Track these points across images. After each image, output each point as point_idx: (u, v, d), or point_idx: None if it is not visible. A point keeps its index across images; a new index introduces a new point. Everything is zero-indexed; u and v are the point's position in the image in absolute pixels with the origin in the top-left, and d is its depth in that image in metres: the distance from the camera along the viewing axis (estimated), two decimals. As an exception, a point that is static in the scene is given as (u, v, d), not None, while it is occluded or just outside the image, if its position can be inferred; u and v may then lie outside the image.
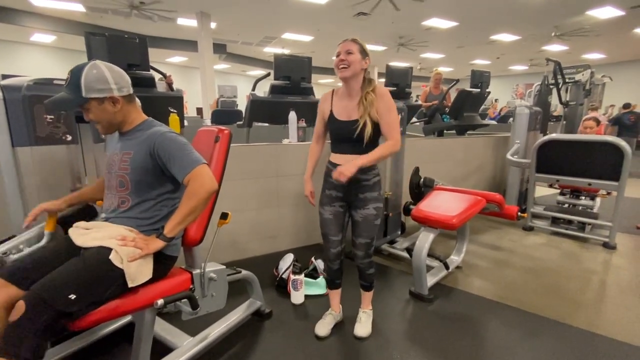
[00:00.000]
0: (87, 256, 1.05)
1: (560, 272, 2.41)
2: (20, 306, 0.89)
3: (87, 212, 1.43)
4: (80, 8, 7.82)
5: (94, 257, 1.05)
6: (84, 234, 1.13)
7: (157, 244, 1.13)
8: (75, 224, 1.20)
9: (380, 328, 1.75)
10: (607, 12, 7.73)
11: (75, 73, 1.10)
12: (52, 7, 7.84)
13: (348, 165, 1.35)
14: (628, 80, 12.29)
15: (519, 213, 2.44)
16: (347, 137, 1.46)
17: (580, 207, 3.50)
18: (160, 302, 1.10)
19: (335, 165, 1.51)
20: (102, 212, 1.28)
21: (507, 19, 8.48)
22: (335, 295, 1.76)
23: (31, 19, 8.44)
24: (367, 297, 1.75)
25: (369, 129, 1.41)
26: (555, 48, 11.08)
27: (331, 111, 1.52)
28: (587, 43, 10.47)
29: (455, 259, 2.48)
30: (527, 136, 3.62)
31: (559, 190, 3.74)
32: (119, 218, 1.20)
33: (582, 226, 3.17)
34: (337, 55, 1.43)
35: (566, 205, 3.56)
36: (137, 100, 1.70)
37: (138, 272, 1.08)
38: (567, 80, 4.94)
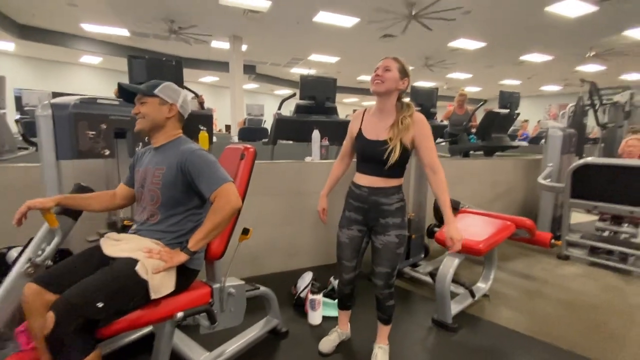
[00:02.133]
0: (115, 266, 1.11)
1: (601, 306, 2.22)
2: (50, 317, 0.94)
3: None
4: (125, 33, 8.52)
5: (121, 267, 1.10)
6: (113, 245, 1.19)
7: (181, 257, 1.17)
8: (106, 235, 1.27)
9: (399, 357, 1.67)
10: (647, 32, 7.41)
11: (157, 81, 1.30)
12: (100, 32, 8.59)
13: (457, 231, 1.43)
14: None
15: (553, 240, 2.31)
16: (372, 156, 1.42)
17: (622, 236, 3.25)
18: (180, 314, 1.12)
19: (358, 187, 1.48)
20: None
21: (538, 39, 8.31)
22: (344, 316, 1.72)
23: (82, 43, 9.28)
24: (384, 331, 1.61)
25: (396, 153, 1.36)
26: (591, 68, 10.67)
27: (360, 129, 1.48)
28: (625, 63, 9.99)
29: (482, 287, 2.35)
30: (560, 159, 3.45)
31: (597, 217, 3.50)
32: (148, 231, 1.26)
33: (624, 257, 2.92)
34: (375, 71, 1.40)
35: (606, 233, 3.31)
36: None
37: (161, 284, 1.11)
38: (604, 102, 4.71)
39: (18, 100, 4.59)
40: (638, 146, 3.15)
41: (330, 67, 11.52)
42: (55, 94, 3.56)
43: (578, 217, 4.01)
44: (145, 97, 1.27)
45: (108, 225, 1.59)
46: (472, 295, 2.18)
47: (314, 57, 10.53)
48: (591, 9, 6.28)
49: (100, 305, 0.98)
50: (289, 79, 13.60)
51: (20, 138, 3.11)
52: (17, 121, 3.89)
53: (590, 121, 4.88)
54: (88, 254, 1.21)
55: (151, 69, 2.43)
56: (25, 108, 4.47)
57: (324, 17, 7.20)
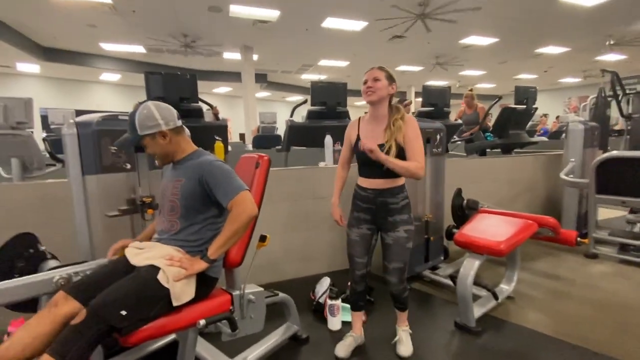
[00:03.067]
0: (138, 275, 1.15)
1: (632, 306, 2.11)
2: (83, 313, 1.00)
3: None
4: (141, 49, 8.84)
5: (143, 276, 1.14)
6: (137, 254, 1.24)
7: (201, 265, 1.20)
8: (130, 245, 1.32)
9: (422, 361, 1.65)
10: (671, 17, 7.07)
11: (132, 116, 1.29)
12: (118, 50, 8.96)
13: (378, 152, 1.39)
14: None
15: (579, 238, 2.21)
16: (370, 160, 1.47)
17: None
18: (202, 322, 1.15)
19: (363, 189, 1.57)
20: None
21: (552, 31, 8.08)
22: (358, 318, 1.73)
23: (101, 61, 9.71)
24: (403, 316, 1.73)
25: (393, 153, 1.45)
26: (611, 58, 10.25)
27: (358, 135, 1.57)
28: (649, 50, 9.56)
29: (505, 288, 2.28)
30: (583, 154, 3.33)
31: (626, 212, 3.35)
32: (168, 240, 1.30)
33: (658, 254, 2.78)
34: (365, 83, 1.51)
35: (637, 227, 3.16)
36: (187, 131, 1.86)
37: (182, 291, 1.15)
38: (627, 92, 4.51)
39: (44, 119, 4.83)
40: None
41: (340, 72, 11.57)
42: (78, 112, 3.73)
43: (605, 212, 3.85)
44: (141, 141, 1.30)
45: (127, 202, 1.65)
46: (495, 297, 2.12)
47: (324, 62, 10.60)
48: (608, -4, 6.07)
49: (123, 313, 1.02)
50: (300, 85, 13.74)
51: (48, 155, 3.27)
52: (44, 140, 4.09)
53: (613, 112, 4.68)
54: (113, 264, 1.27)
55: (167, 84, 2.52)
56: (52, 126, 4.70)
57: (332, 23, 7.26)
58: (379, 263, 1.65)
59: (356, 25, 7.41)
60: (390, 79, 1.50)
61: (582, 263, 2.86)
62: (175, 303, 1.13)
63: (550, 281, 2.54)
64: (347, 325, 1.95)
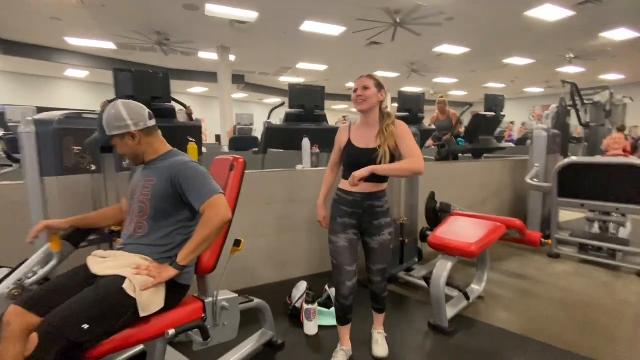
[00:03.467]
0: (101, 285, 1.07)
1: (592, 303, 2.25)
2: (34, 339, 0.91)
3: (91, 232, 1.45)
4: (111, 46, 8.46)
5: (107, 286, 1.07)
6: (100, 263, 1.16)
7: (170, 272, 1.14)
8: (93, 253, 1.24)
9: (397, 363, 1.66)
10: (621, 34, 7.68)
11: (100, 115, 1.24)
12: (85, 45, 8.51)
13: (361, 170, 1.38)
14: (651, 100, 11.92)
15: (543, 239, 2.33)
16: (362, 164, 1.46)
17: (610, 232, 3.32)
18: (171, 332, 1.09)
19: (349, 193, 1.56)
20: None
21: (518, 43, 8.54)
22: (346, 330, 1.69)
23: (66, 57, 9.18)
24: (380, 318, 1.78)
25: (387, 159, 1.47)
26: (571, 70, 10.98)
27: (349, 139, 1.58)
28: (604, 64, 10.33)
29: (476, 289, 2.36)
30: (546, 159, 3.53)
31: (585, 215, 3.57)
32: (134, 245, 1.23)
33: (612, 253, 2.98)
34: (355, 91, 1.53)
35: (595, 226, 3.38)
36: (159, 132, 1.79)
37: (150, 301, 1.09)
38: (585, 102, 4.85)
39: (1, 116, 4.50)
40: (623, 140, 3.32)
41: (319, 75, 11.62)
42: (40, 109, 3.49)
43: (566, 215, 4.09)
44: (111, 141, 1.26)
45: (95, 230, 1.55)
46: (467, 297, 2.19)
47: (302, 65, 10.61)
48: (568, 13, 6.50)
49: (85, 327, 0.95)
50: (278, 87, 13.66)
51: (4, 155, 3.04)
52: (0, 138, 3.81)
53: (573, 121, 5.01)
54: (73, 273, 1.18)
55: (138, 82, 2.41)
56: (9, 124, 4.39)
57: (310, 27, 7.29)
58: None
59: (334, 30, 7.48)
60: (379, 86, 1.53)
61: (545, 263, 3.02)
62: (142, 314, 1.07)
63: (517, 280, 2.65)
64: (323, 330, 1.94)
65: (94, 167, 1.57)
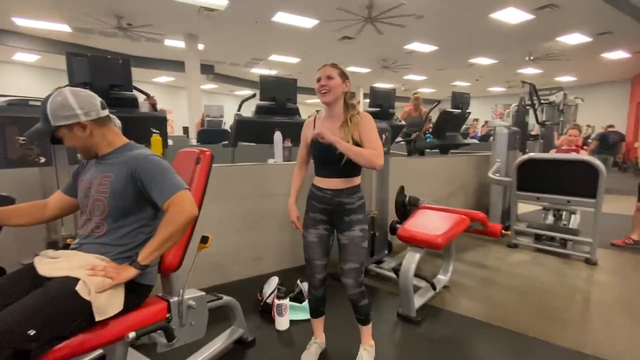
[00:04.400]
0: (50, 287, 0.98)
1: (546, 289, 2.42)
2: None
3: None
4: (65, 28, 7.80)
5: (57, 288, 0.98)
6: (49, 263, 1.06)
7: (130, 273, 1.07)
8: (41, 252, 1.13)
9: (367, 354, 1.69)
10: (575, 39, 8.25)
11: (44, 102, 1.09)
12: (36, 27, 7.79)
13: (327, 134, 1.36)
14: (598, 101, 12.98)
15: (503, 231, 2.47)
16: (329, 158, 1.45)
17: (562, 223, 3.58)
18: (132, 335, 1.03)
19: (320, 189, 1.52)
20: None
21: (483, 43, 8.92)
22: (319, 323, 1.69)
23: (14, 38, 8.35)
24: (365, 331, 1.61)
25: None
26: (529, 71, 11.67)
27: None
28: (559, 66, 11.07)
29: (442, 279, 2.46)
30: (507, 155, 3.73)
31: (541, 207, 3.83)
32: (92, 244, 1.14)
33: (564, 243, 3.23)
34: (318, 81, 1.45)
35: (550, 217, 3.64)
36: (118, 122, 1.67)
37: (108, 304, 1.01)
38: (542, 102, 5.17)
39: None
40: (577, 136, 3.59)
41: (291, 68, 11.47)
42: (-19, 96, 3.16)
43: (524, 207, 4.37)
44: (55, 132, 1.12)
45: (47, 245, 1.43)
46: (434, 287, 2.27)
47: (275, 57, 10.41)
48: (528, 16, 6.87)
49: (31, 332, 0.86)
50: (250, 79, 13.32)
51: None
52: None
53: (531, 119, 5.33)
54: (17, 275, 1.07)
55: (95, 68, 2.24)
56: (-57, 111, 3.92)
57: (282, 18, 7.14)
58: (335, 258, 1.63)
59: (307, 22, 7.38)
60: (344, 76, 1.46)
61: (505, 253, 3.20)
62: (98, 318, 0.99)
63: (479, 270, 2.80)
64: (294, 325, 1.94)
65: (43, 160, 1.43)
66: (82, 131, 1.13)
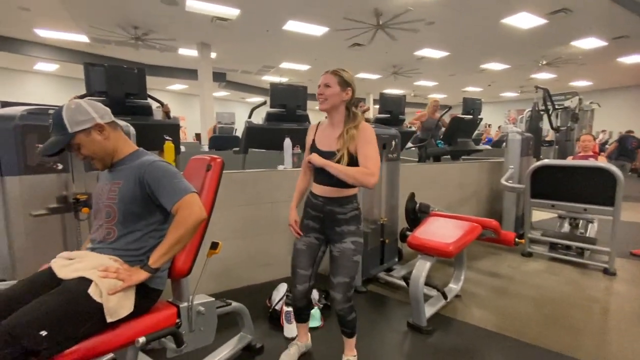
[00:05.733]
0: (63, 289, 1.01)
1: (562, 300, 2.35)
2: None
3: None
4: (83, 39, 8.10)
5: (70, 290, 1.00)
6: (66, 265, 1.09)
7: (141, 275, 1.09)
8: (58, 255, 1.16)
9: (377, 363, 1.67)
10: (591, 43, 8.09)
11: (56, 115, 1.11)
12: (56, 38, 8.11)
13: (317, 158, 1.40)
14: (615, 107, 12.65)
15: (517, 239, 2.41)
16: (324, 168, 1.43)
17: (579, 232, 3.48)
18: (142, 340, 1.04)
19: (315, 196, 1.52)
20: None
21: (495, 49, 8.84)
22: (303, 328, 1.70)
23: (36, 49, 8.71)
24: (349, 343, 1.59)
25: (345, 162, 1.38)
26: (543, 76, 11.48)
27: (313, 140, 1.52)
28: (574, 71, 10.86)
29: (453, 288, 2.41)
30: (520, 161, 3.66)
31: (556, 214, 3.73)
32: (105, 249, 1.17)
33: (580, 252, 3.13)
34: (318, 87, 1.44)
35: (566, 225, 3.54)
36: (132, 130, 1.72)
37: (119, 306, 1.03)
38: (556, 107, 5.07)
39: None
40: (592, 141, 3.51)
41: (301, 75, 11.59)
42: (5, 104, 3.28)
43: (539, 215, 4.26)
44: (72, 142, 1.12)
45: (57, 199, 1.45)
46: (445, 296, 2.23)
47: (285, 65, 10.55)
48: (541, 21, 6.78)
49: (43, 333, 0.88)
50: (261, 86, 13.52)
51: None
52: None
53: (545, 125, 5.23)
54: (36, 277, 1.11)
55: (111, 77, 2.31)
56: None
57: (293, 26, 7.25)
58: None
59: (317, 30, 7.47)
60: (344, 84, 1.40)
61: (519, 261, 3.12)
62: (109, 319, 1.01)
63: (492, 279, 2.73)
64: (303, 332, 1.92)
65: (60, 166, 1.48)
66: (100, 134, 1.16)
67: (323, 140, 1.49)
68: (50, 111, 1.50)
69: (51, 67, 10.27)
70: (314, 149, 1.49)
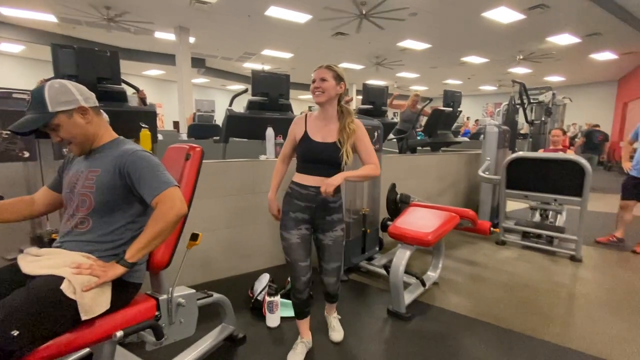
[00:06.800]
0: (33, 286, 0.95)
1: (532, 286, 2.47)
2: None
3: None
4: (52, 18, 7.58)
5: (41, 287, 0.95)
6: (33, 261, 1.03)
7: (117, 271, 1.04)
8: (25, 250, 1.09)
9: (358, 349, 1.71)
10: (565, 39, 8.37)
11: (37, 91, 1.05)
12: (22, 17, 7.55)
13: (334, 177, 1.40)
14: (585, 101, 13.24)
15: (492, 228, 2.51)
16: (320, 158, 1.48)
17: (549, 221, 3.66)
18: (119, 334, 1.01)
19: (303, 187, 1.52)
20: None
21: (475, 42, 8.99)
22: (305, 324, 1.69)
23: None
24: (333, 306, 1.82)
25: (350, 157, 1.48)
26: (520, 70, 11.81)
27: (305, 132, 1.53)
28: (548, 66, 11.23)
29: (432, 275, 2.49)
30: (497, 153, 3.78)
31: (528, 205, 3.90)
32: (74, 241, 1.11)
33: (550, 240, 3.29)
34: (313, 82, 1.49)
35: (537, 215, 3.71)
36: (105, 117, 1.63)
37: (94, 303, 0.99)
38: (531, 101, 5.25)
39: None
40: (561, 136, 3.66)
41: (284, 63, 11.37)
42: (-38, 87, 3.05)
43: (512, 205, 4.44)
44: (51, 122, 1.06)
45: (32, 240, 1.39)
46: (423, 284, 2.30)
47: (267, 52, 10.31)
48: (519, 16, 6.93)
49: (14, 333, 0.84)
50: (242, 73, 13.18)
51: None
52: None
53: (520, 118, 5.41)
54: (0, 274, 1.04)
55: (82, 60, 2.18)
56: None
57: (275, 12, 7.06)
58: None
59: (300, 17, 7.32)
60: (338, 78, 1.48)
61: (494, 250, 3.26)
62: (84, 317, 0.97)
63: (468, 267, 2.84)
64: (285, 321, 1.94)
65: (27, 154, 1.39)
66: (83, 117, 1.11)
67: (316, 132, 1.52)
68: (15, 95, 1.41)
69: (16, 48, 9.58)
70: (307, 140, 1.51)
